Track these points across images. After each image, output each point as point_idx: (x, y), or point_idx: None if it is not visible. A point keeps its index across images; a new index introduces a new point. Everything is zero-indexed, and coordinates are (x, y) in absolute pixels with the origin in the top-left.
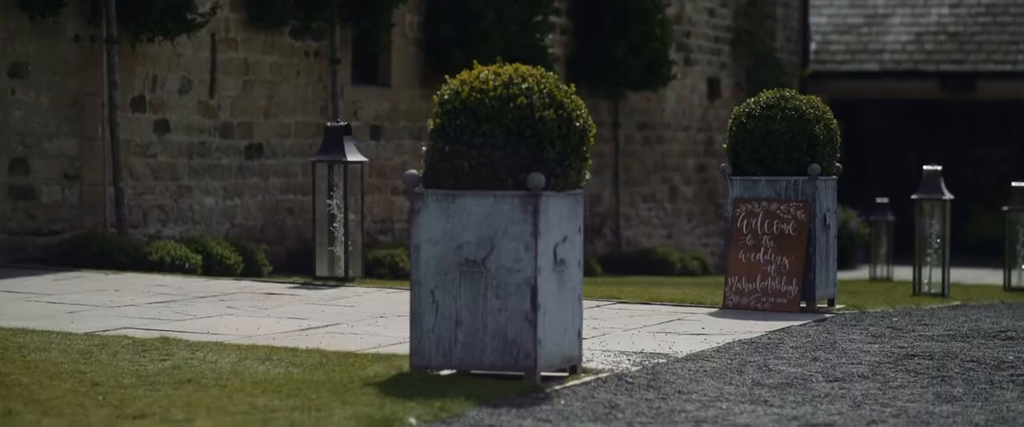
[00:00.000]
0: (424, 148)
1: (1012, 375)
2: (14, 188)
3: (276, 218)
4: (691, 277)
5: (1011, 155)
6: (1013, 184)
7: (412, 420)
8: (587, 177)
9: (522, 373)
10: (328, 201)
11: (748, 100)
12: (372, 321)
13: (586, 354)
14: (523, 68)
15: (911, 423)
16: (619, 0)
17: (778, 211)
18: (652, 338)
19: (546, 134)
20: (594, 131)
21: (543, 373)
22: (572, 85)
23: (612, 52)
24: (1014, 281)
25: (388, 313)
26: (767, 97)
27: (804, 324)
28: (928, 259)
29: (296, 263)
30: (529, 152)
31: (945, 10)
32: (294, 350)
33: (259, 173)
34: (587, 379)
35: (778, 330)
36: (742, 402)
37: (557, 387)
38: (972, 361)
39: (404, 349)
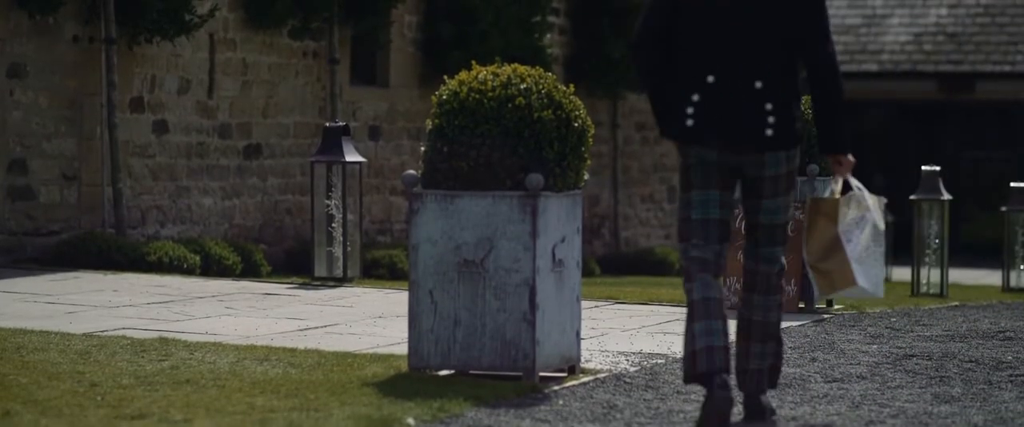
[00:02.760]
0: (422, 148)
1: (1011, 375)
2: (13, 188)
3: (275, 218)
4: None
5: (1010, 155)
6: (1012, 184)
7: (410, 420)
8: (586, 177)
9: (520, 373)
10: (326, 201)
11: None
12: (370, 321)
13: (585, 354)
14: (521, 68)
15: (909, 423)
16: (618, 0)
17: None
18: (651, 338)
19: (544, 134)
20: (593, 131)
21: (542, 373)
22: (571, 85)
23: (611, 52)
24: (1012, 281)
25: (386, 313)
26: None
27: (802, 324)
28: (926, 259)
29: (294, 263)
30: (527, 152)
31: (944, 11)
32: (292, 350)
33: (257, 173)
34: (585, 379)
35: None
36: (740, 403)
37: (555, 387)
38: (970, 361)
39: (402, 349)
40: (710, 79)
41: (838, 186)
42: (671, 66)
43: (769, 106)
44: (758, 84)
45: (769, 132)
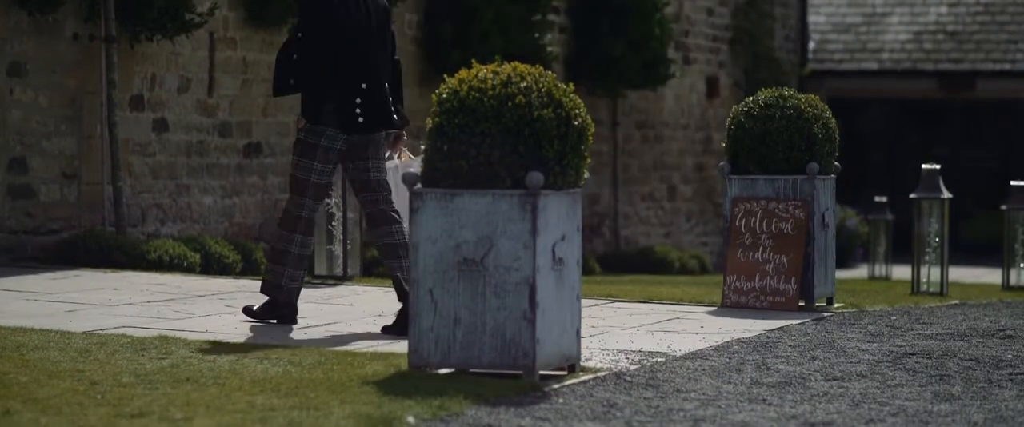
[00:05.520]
0: (423, 147)
1: (1011, 374)
2: (13, 187)
3: (275, 217)
4: (690, 276)
5: (1010, 154)
6: (1011, 183)
7: (410, 419)
8: (586, 176)
9: (520, 372)
10: (327, 200)
11: (747, 99)
12: (370, 320)
13: (585, 353)
14: (521, 67)
15: (909, 422)
16: None
17: (776, 210)
18: (651, 337)
19: (544, 133)
20: (592, 130)
21: (542, 372)
22: (571, 84)
23: (611, 51)
24: (1012, 280)
25: (386, 312)
26: (766, 96)
27: (802, 323)
28: (927, 258)
29: None
30: (528, 151)
31: (944, 9)
32: (292, 349)
33: (257, 172)
34: (585, 378)
35: (776, 329)
36: (741, 401)
37: (556, 386)
38: (970, 360)
39: (402, 348)
40: (364, 86)
41: (403, 152)
42: (329, 79)
43: (391, 99)
44: (386, 86)
45: (395, 117)
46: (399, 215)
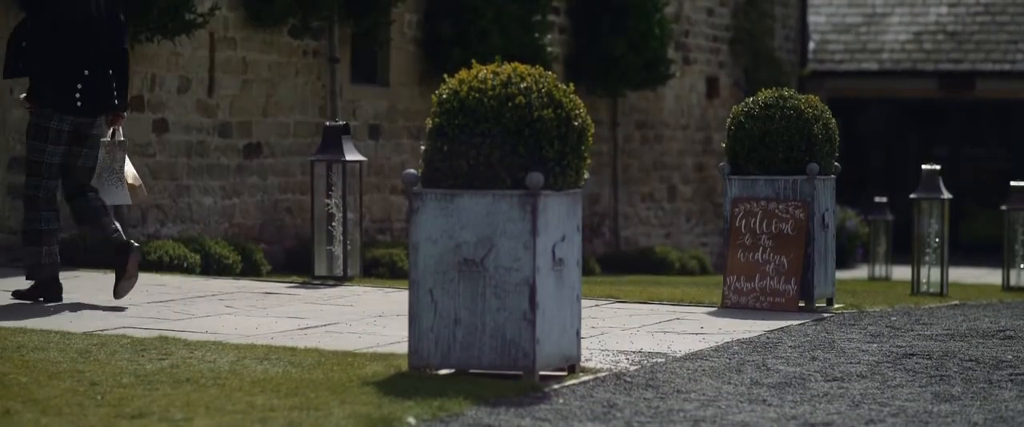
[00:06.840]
0: (423, 147)
1: (1011, 374)
2: (13, 187)
3: (275, 217)
4: (690, 276)
5: (1009, 154)
6: (1011, 183)
7: (411, 419)
8: (586, 176)
9: (520, 372)
10: (327, 200)
11: (747, 99)
12: (371, 320)
13: (585, 353)
14: (521, 67)
15: (909, 422)
16: None
17: (776, 210)
18: (651, 337)
19: (544, 133)
20: (593, 130)
21: (542, 372)
22: (571, 84)
23: (611, 51)
24: (1012, 280)
25: (387, 312)
26: (766, 96)
27: (802, 323)
28: (927, 258)
29: (295, 262)
30: (528, 151)
31: (944, 9)
32: (293, 349)
33: (258, 172)
34: (585, 378)
35: (776, 329)
36: (740, 401)
37: (556, 386)
38: (971, 360)
39: (402, 348)
40: (86, 72)
41: (117, 132)
42: (52, 64)
43: (114, 85)
44: (110, 72)
45: (116, 102)
46: (95, 192)
